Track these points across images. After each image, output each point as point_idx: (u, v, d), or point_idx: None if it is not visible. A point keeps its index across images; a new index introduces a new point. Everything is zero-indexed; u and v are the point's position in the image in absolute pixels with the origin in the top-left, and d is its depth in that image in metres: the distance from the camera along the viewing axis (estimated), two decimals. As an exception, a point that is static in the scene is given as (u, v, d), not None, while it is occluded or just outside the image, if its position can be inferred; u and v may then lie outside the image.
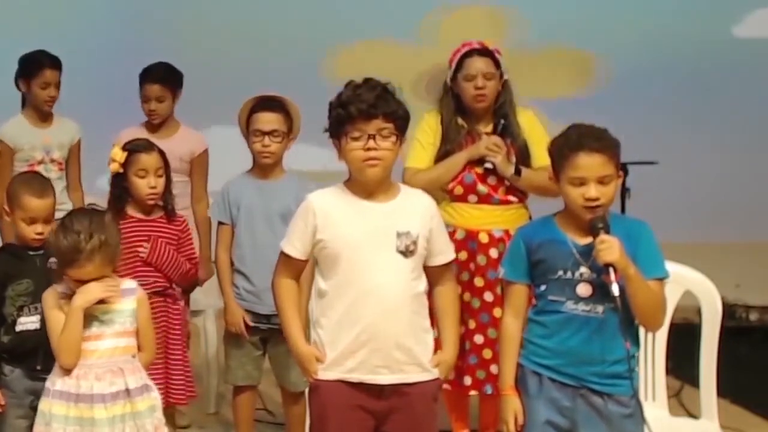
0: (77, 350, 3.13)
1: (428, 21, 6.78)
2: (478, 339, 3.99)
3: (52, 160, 4.80)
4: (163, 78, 4.73)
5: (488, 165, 4.01)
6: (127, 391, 3.15)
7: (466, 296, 4.02)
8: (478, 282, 4.01)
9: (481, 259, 4.01)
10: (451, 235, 3.98)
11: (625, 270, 2.86)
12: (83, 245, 3.09)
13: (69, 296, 3.17)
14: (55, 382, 3.16)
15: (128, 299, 3.24)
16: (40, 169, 4.64)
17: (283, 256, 3.06)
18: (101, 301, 3.16)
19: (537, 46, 6.74)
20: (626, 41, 6.92)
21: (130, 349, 3.22)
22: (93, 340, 3.16)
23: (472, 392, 4.04)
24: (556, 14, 6.90)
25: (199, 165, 4.76)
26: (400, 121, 2.97)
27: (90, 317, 3.15)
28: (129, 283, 3.29)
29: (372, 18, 6.83)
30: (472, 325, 3.99)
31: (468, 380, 4.01)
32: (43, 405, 3.17)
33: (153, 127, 4.75)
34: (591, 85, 6.95)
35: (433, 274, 3.09)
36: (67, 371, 3.14)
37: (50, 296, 3.21)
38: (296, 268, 3.08)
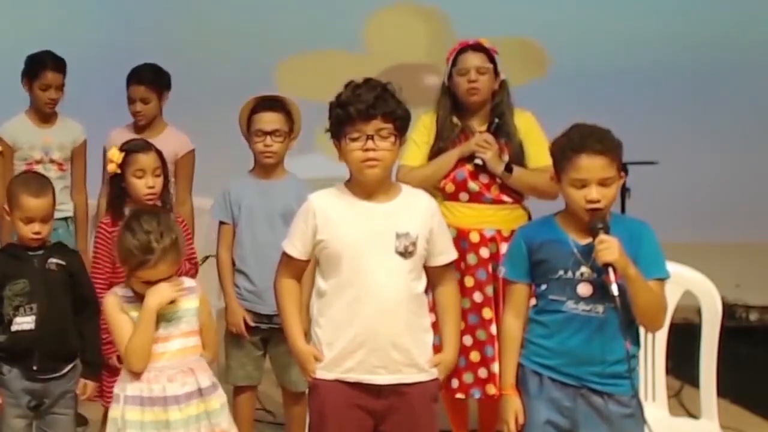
0: (148, 353, 3.10)
1: (370, 27, 6.79)
2: (467, 340, 3.95)
3: (52, 161, 4.79)
4: (148, 80, 4.71)
5: (478, 161, 4.00)
6: (200, 390, 3.13)
7: None
8: (468, 282, 3.98)
9: (471, 259, 3.99)
10: None
11: (625, 270, 2.86)
12: (155, 245, 3.07)
13: (130, 299, 3.15)
14: (125, 387, 3.12)
15: (191, 298, 3.21)
16: (38, 168, 4.64)
17: (285, 256, 3.08)
18: (170, 302, 3.14)
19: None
20: (626, 41, 6.92)
21: (198, 348, 3.19)
22: (161, 342, 3.13)
23: (459, 395, 4.00)
24: (555, 13, 6.92)
25: (182, 167, 4.70)
26: (400, 121, 2.97)
27: (157, 319, 3.12)
28: (189, 282, 3.26)
29: (316, 29, 6.83)
30: (461, 326, 3.97)
31: (455, 383, 3.96)
32: (114, 412, 3.13)
33: (139, 127, 4.73)
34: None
35: (434, 274, 3.09)
36: (137, 375, 3.10)
37: (112, 301, 3.17)
38: (298, 268, 3.08)
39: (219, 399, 3.19)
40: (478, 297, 3.97)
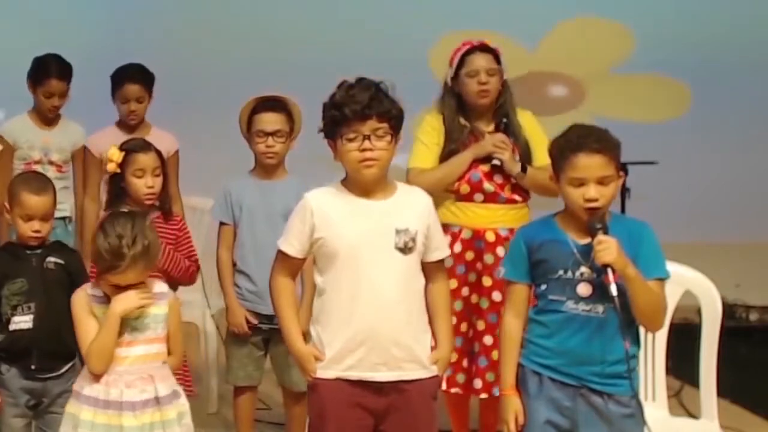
0: (110, 357, 3.10)
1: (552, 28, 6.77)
2: (488, 340, 3.95)
3: (51, 162, 4.79)
4: (142, 79, 4.70)
5: (496, 162, 4.00)
6: (157, 399, 3.11)
7: (474, 298, 3.99)
8: (486, 281, 3.98)
9: (488, 258, 3.99)
10: (457, 234, 4.00)
11: (624, 270, 2.86)
12: (126, 251, 3.05)
13: (100, 299, 3.14)
14: (83, 386, 3.13)
15: (160, 304, 3.20)
16: (37, 169, 4.63)
17: (281, 254, 3.07)
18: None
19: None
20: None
21: (161, 355, 3.18)
22: (125, 347, 3.12)
23: (483, 395, 4.00)
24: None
25: (171, 166, 4.64)
26: (395, 121, 2.97)
27: (123, 323, 3.11)
28: (160, 287, 3.24)
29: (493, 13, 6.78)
30: (481, 326, 3.96)
31: (479, 383, 3.97)
32: (72, 408, 3.14)
33: (126, 128, 4.72)
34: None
35: (428, 271, 3.09)
36: (96, 377, 3.10)
37: (80, 299, 3.17)
38: (294, 267, 3.09)
39: (176, 408, 3.16)
40: (496, 296, 3.96)
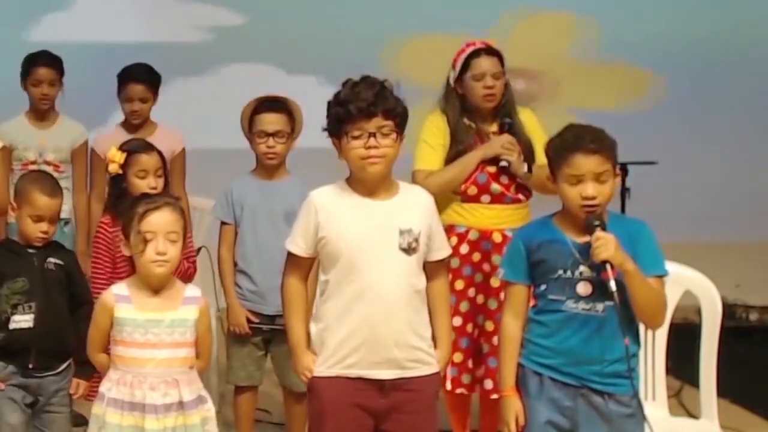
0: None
1: (502, 22, 6.75)
2: (497, 341, 3.95)
3: (47, 162, 4.76)
4: (146, 79, 4.69)
5: (503, 163, 4.00)
6: (181, 403, 3.09)
7: (480, 298, 4.00)
8: (494, 282, 3.95)
9: (496, 259, 3.95)
10: (464, 235, 4.00)
11: (622, 266, 2.87)
12: (158, 196, 3.18)
13: (122, 299, 3.11)
14: (111, 388, 3.10)
15: (190, 308, 3.16)
16: (33, 169, 4.62)
17: (289, 255, 3.08)
18: (162, 308, 3.11)
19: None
20: (626, 41, 6.93)
21: (189, 360, 3.15)
22: (150, 348, 3.08)
23: (494, 396, 3.97)
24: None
25: (176, 164, 4.66)
26: (400, 118, 2.98)
27: (148, 323, 3.09)
28: (192, 291, 3.22)
29: (443, 13, 6.77)
30: (489, 327, 3.96)
31: (489, 384, 3.96)
32: (97, 409, 3.12)
33: (131, 128, 4.71)
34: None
35: (429, 270, 3.09)
36: (123, 378, 3.09)
37: (104, 300, 3.16)
38: (303, 267, 3.08)
39: (201, 413, 3.14)
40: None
